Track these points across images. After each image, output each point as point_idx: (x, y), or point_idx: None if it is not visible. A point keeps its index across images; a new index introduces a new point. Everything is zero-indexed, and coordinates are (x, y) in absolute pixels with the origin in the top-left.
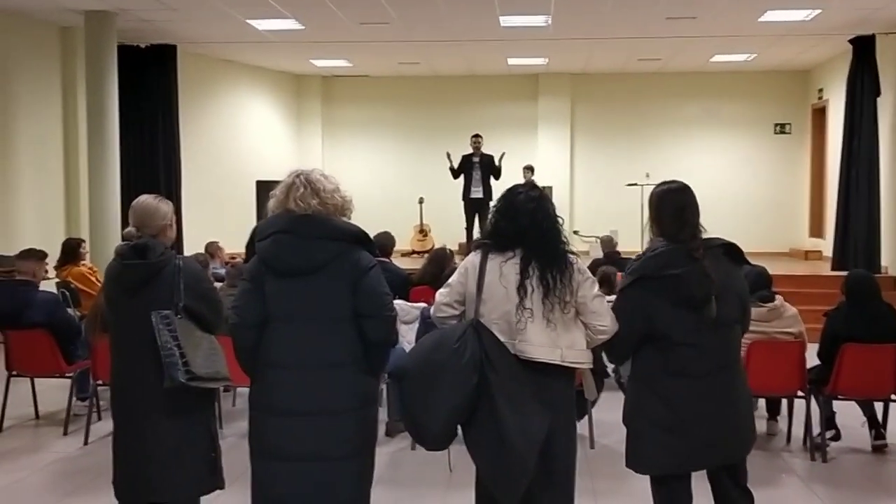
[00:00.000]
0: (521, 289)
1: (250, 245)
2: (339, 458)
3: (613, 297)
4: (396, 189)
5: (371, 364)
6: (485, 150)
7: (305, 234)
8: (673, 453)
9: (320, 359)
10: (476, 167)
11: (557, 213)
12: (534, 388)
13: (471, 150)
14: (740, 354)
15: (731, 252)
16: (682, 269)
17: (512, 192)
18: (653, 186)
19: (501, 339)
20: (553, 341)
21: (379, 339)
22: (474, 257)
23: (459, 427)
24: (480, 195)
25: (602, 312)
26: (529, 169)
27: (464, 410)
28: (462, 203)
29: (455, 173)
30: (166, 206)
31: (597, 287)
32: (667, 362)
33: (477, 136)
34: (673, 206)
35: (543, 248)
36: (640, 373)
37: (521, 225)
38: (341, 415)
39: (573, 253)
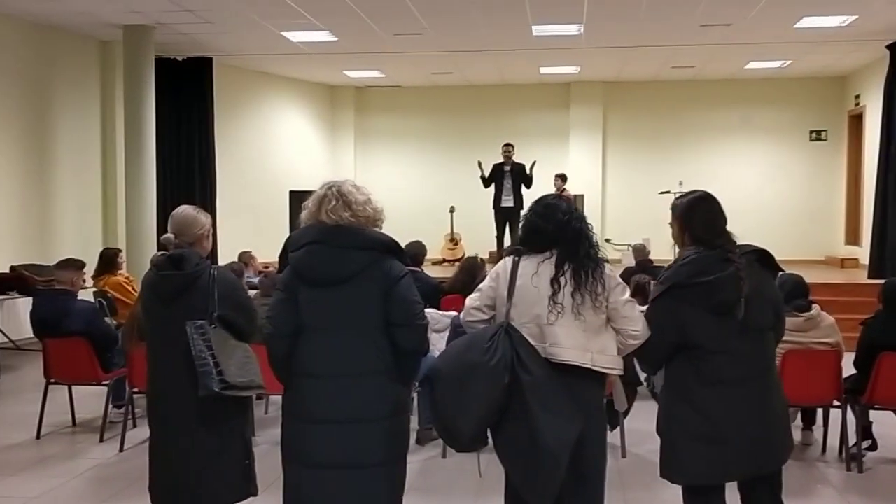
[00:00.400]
0: (555, 282)
1: (283, 256)
2: (371, 465)
3: (646, 307)
4: (428, 198)
5: (402, 373)
6: (517, 158)
7: (337, 245)
8: (708, 462)
9: (353, 367)
10: (507, 176)
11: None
12: (565, 391)
13: (502, 159)
14: (775, 362)
15: (763, 259)
16: (715, 275)
17: (547, 196)
18: (675, 200)
19: (532, 342)
20: (583, 345)
21: (410, 348)
22: (506, 262)
23: (489, 433)
24: (511, 204)
25: (634, 317)
26: (561, 177)
27: (495, 411)
28: (493, 212)
29: (486, 182)
30: (204, 217)
31: (628, 293)
32: (700, 371)
33: (508, 145)
34: (705, 213)
35: (578, 248)
36: (674, 382)
37: (558, 222)
38: (373, 423)
39: (605, 260)
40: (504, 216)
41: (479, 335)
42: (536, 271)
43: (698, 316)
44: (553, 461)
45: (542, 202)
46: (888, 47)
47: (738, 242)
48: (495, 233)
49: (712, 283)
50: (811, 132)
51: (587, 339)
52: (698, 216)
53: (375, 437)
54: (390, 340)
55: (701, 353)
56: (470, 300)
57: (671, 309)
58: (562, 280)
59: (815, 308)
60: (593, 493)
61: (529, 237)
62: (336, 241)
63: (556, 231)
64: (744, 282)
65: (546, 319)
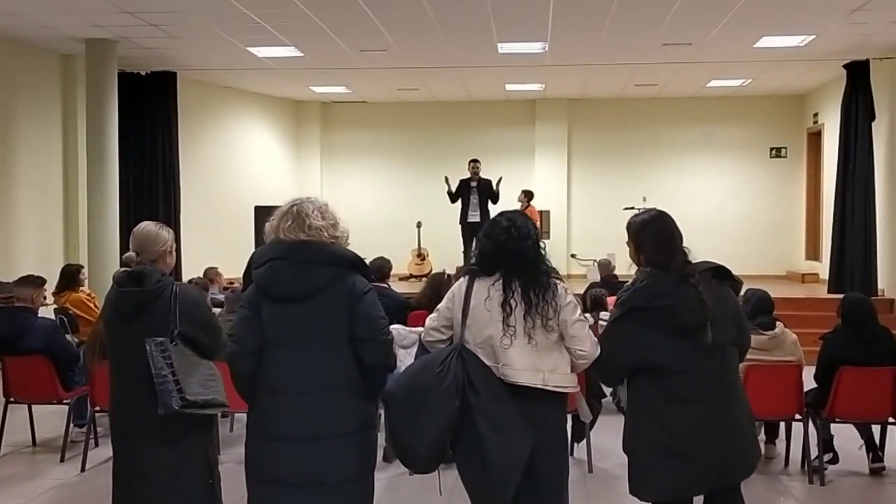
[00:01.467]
0: (506, 305)
1: (247, 273)
2: (338, 482)
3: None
4: (395, 213)
5: (369, 388)
6: (483, 174)
7: (301, 260)
8: (676, 477)
9: (318, 384)
10: (474, 192)
11: (542, 237)
12: (519, 411)
13: (469, 175)
14: (739, 376)
15: (719, 274)
16: (673, 297)
17: (498, 215)
18: (630, 219)
19: (487, 362)
20: (535, 365)
21: (376, 363)
22: (461, 283)
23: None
24: (478, 219)
25: (582, 337)
26: (525, 194)
27: (448, 433)
28: (459, 227)
29: (453, 197)
30: (166, 233)
31: (579, 312)
32: (663, 390)
33: (475, 161)
34: (658, 234)
35: (524, 268)
36: (637, 400)
37: (502, 245)
38: (340, 439)
39: (558, 276)
40: (471, 231)
41: (432, 358)
42: (488, 295)
43: (658, 338)
44: (501, 481)
45: (490, 220)
46: (845, 67)
47: (695, 259)
48: (462, 248)
49: (672, 307)
50: (771, 149)
51: (539, 359)
52: (650, 237)
53: (342, 453)
54: (356, 356)
55: (662, 373)
56: (429, 321)
57: (630, 331)
58: (512, 303)
59: (779, 326)
60: None
61: (478, 258)
62: (300, 256)
63: (496, 251)
64: (707, 305)
65: (500, 343)
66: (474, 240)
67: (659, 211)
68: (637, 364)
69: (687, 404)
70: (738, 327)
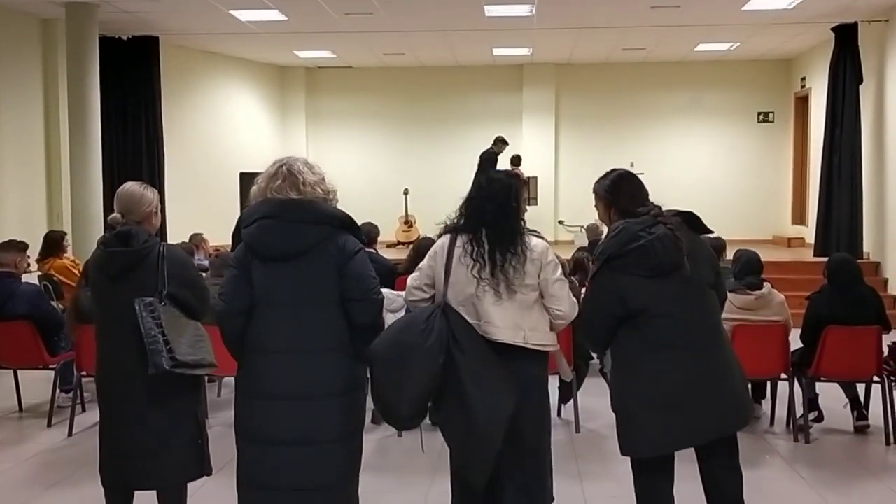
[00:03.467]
0: (478, 260)
1: (236, 233)
2: (327, 441)
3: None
4: (382, 180)
5: (358, 348)
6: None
7: (291, 219)
8: (667, 430)
9: (308, 343)
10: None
11: (530, 202)
12: (502, 369)
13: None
14: (721, 323)
15: (690, 221)
16: (646, 239)
17: (484, 176)
18: (597, 181)
19: (469, 320)
20: (516, 323)
21: (366, 323)
22: (443, 241)
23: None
24: None
25: (561, 297)
26: (512, 159)
27: (432, 390)
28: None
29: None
30: (151, 193)
31: (559, 271)
32: (645, 336)
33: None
34: (628, 187)
35: (503, 225)
36: (621, 355)
37: (470, 199)
38: (329, 399)
39: (537, 234)
40: None
41: (416, 316)
42: (464, 251)
43: (637, 282)
44: (486, 438)
45: (476, 180)
46: (833, 30)
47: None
48: None
49: (645, 246)
50: (759, 114)
51: (520, 317)
52: (623, 190)
53: (331, 412)
54: (345, 316)
55: (645, 319)
56: (411, 279)
57: (611, 281)
58: (484, 258)
59: (767, 286)
60: (537, 468)
61: (460, 215)
62: (289, 215)
63: (471, 208)
64: (679, 239)
65: (484, 298)
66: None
67: (624, 169)
68: (622, 313)
69: (669, 350)
70: (714, 271)
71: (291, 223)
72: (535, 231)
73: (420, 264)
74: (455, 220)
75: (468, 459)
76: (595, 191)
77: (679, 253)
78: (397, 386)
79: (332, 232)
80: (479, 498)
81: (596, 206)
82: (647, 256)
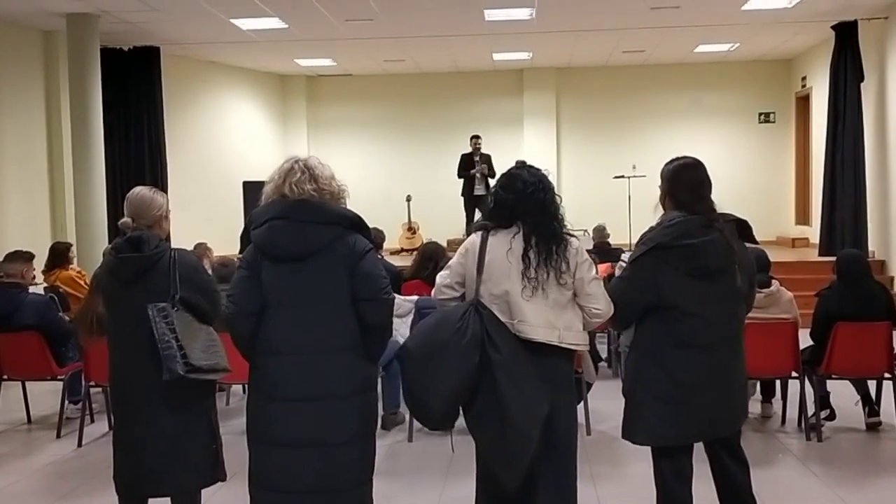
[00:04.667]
0: (525, 257)
1: (245, 234)
2: (340, 443)
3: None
4: (384, 187)
5: (370, 348)
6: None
7: (301, 219)
8: (672, 425)
9: (319, 344)
10: (478, 165)
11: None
12: (534, 367)
13: (470, 150)
14: (742, 332)
15: (741, 228)
16: (699, 238)
17: (515, 167)
18: (664, 164)
19: (501, 318)
20: (551, 322)
21: (377, 322)
22: (475, 238)
23: (461, 410)
24: (483, 192)
25: (598, 295)
26: (517, 165)
27: (466, 389)
28: (462, 200)
29: (460, 174)
30: (161, 198)
31: (594, 270)
32: (673, 333)
33: (476, 137)
34: (690, 180)
35: (543, 221)
36: (644, 344)
37: (519, 193)
38: (341, 400)
39: (573, 235)
40: (475, 205)
41: (449, 313)
42: (511, 247)
43: (678, 278)
44: (523, 438)
45: (506, 173)
46: (833, 28)
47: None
48: (465, 221)
49: (696, 245)
50: (760, 114)
51: (555, 316)
52: (684, 181)
53: (343, 414)
54: (356, 316)
55: (677, 315)
56: (440, 277)
57: (651, 268)
58: (531, 255)
59: (775, 284)
60: (565, 466)
61: (494, 210)
62: (299, 216)
63: (516, 202)
64: (734, 248)
65: (521, 295)
66: (490, 193)
67: (694, 158)
68: (654, 301)
69: (695, 350)
70: (749, 282)
71: (302, 223)
72: (568, 229)
73: (450, 262)
74: (484, 218)
75: (503, 460)
76: (661, 172)
77: (728, 259)
78: (432, 385)
79: (343, 232)
80: (508, 500)
81: (660, 186)
82: (694, 256)
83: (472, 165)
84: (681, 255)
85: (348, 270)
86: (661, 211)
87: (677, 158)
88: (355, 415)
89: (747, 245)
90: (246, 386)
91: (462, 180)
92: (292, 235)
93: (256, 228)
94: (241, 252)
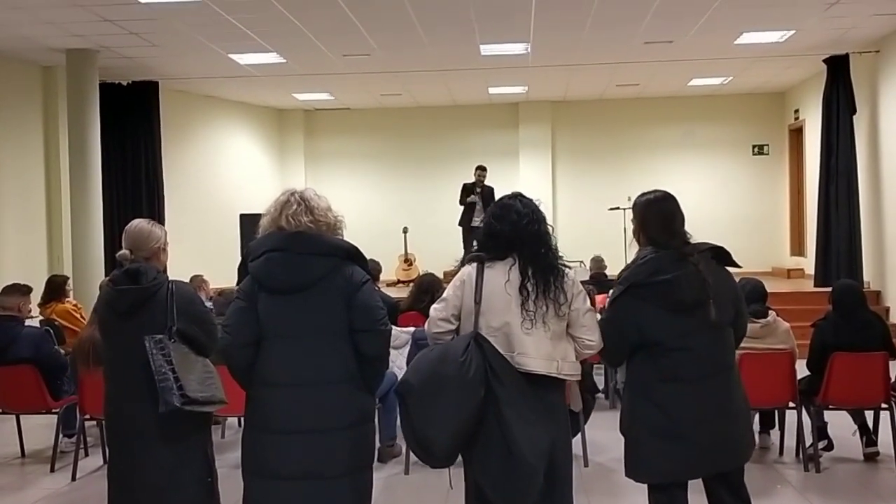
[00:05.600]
0: (524, 289)
1: (243, 266)
2: (337, 476)
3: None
4: (381, 219)
5: (367, 380)
6: (470, 179)
7: (297, 251)
8: (671, 460)
9: (316, 376)
10: (479, 197)
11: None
12: (535, 400)
13: (473, 181)
14: (735, 360)
15: (718, 256)
16: (672, 273)
17: (508, 197)
18: (635, 199)
19: (501, 351)
20: (549, 353)
21: (374, 354)
22: (470, 269)
23: None
24: (480, 224)
25: (591, 327)
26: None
27: (472, 424)
28: (461, 230)
29: (463, 201)
30: (159, 230)
31: (588, 301)
32: (660, 368)
33: (482, 168)
34: (660, 214)
35: (539, 253)
36: (635, 380)
37: (513, 224)
38: (338, 432)
39: (566, 265)
40: (474, 235)
41: (451, 347)
42: (508, 279)
43: (656, 314)
44: (531, 471)
45: (498, 203)
46: (825, 61)
47: (693, 241)
48: (462, 251)
49: (670, 281)
50: (753, 146)
51: (552, 347)
52: (653, 216)
53: (341, 446)
54: (353, 347)
55: (660, 350)
56: (435, 311)
57: (630, 308)
58: (529, 286)
59: (772, 314)
60: (564, 497)
61: (487, 241)
62: (296, 247)
63: (511, 233)
64: (707, 281)
65: (521, 328)
66: (483, 224)
67: (664, 192)
68: (637, 341)
69: (682, 383)
70: (735, 310)
71: (299, 255)
72: (563, 260)
73: (444, 294)
74: (477, 249)
75: (511, 496)
76: (633, 206)
77: (703, 292)
78: (437, 421)
79: (339, 263)
80: None
81: (633, 220)
82: (669, 292)
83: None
84: (656, 292)
85: (345, 302)
86: (636, 247)
87: (647, 193)
88: (352, 447)
89: (735, 272)
90: (241, 419)
91: (461, 211)
92: (290, 267)
93: (254, 260)
94: (238, 283)
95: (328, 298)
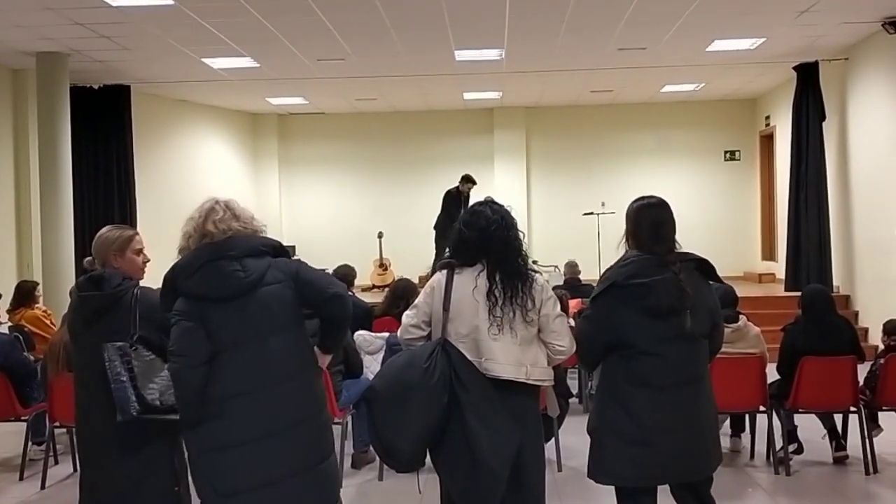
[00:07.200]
0: (491, 295)
1: (169, 290)
2: (308, 468)
3: (568, 318)
4: (356, 224)
5: (331, 340)
6: (446, 185)
7: (234, 256)
8: (635, 465)
9: (280, 372)
10: (464, 205)
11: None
12: (503, 406)
13: (457, 187)
14: (708, 371)
15: (702, 268)
16: (650, 278)
17: (479, 204)
18: (629, 204)
19: (469, 357)
20: (518, 359)
21: (340, 315)
22: (440, 276)
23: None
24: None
25: (562, 332)
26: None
27: (435, 430)
28: (434, 233)
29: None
30: (116, 234)
31: (559, 306)
32: (630, 371)
33: (470, 180)
34: (650, 220)
35: (507, 258)
36: (606, 382)
37: (482, 230)
38: (303, 424)
39: (535, 271)
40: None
41: (416, 354)
42: (476, 285)
43: (634, 317)
44: (493, 477)
45: (469, 210)
46: (795, 69)
47: (681, 250)
48: (434, 255)
49: (648, 285)
50: (725, 152)
51: (521, 353)
52: (643, 221)
53: (314, 435)
54: (305, 336)
55: (633, 353)
56: (406, 317)
57: (607, 308)
58: (497, 292)
59: (742, 319)
60: (535, 500)
61: (458, 247)
62: (230, 253)
63: (479, 240)
64: (686, 291)
65: (487, 334)
66: (454, 231)
67: (659, 198)
68: (612, 341)
69: (651, 389)
70: (712, 322)
71: (236, 259)
72: (533, 266)
73: (416, 301)
74: (449, 256)
75: (473, 498)
76: (625, 212)
77: (680, 300)
78: (401, 426)
79: (272, 260)
80: None
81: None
82: (645, 295)
83: (456, 206)
84: (634, 294)
85: (291, 289)
86: (623, 249)
87: (641, 198)
88: (317, 435)
89: (712, 283)
90: None
91: (438, 215)
92: (231, 272)
93: (189, 278)
94: (164, 309)
95: (275, 293)
